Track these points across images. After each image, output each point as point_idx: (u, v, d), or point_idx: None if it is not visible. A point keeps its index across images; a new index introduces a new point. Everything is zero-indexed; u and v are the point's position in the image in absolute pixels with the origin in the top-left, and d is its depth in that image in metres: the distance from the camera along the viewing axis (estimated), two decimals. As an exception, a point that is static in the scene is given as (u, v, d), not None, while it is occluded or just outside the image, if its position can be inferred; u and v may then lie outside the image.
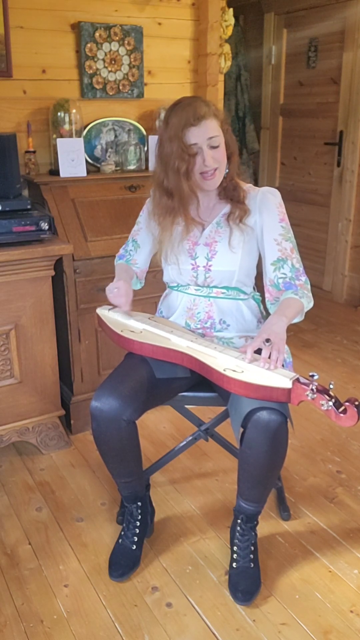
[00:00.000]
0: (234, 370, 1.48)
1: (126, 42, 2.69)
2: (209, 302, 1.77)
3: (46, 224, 2.14)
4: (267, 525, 1.98)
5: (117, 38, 2.66)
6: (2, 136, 2.23)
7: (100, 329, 2.33)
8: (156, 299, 2.04)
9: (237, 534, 1.75)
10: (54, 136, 2.59)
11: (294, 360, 2.04)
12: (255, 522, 1.75)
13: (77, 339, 2.42)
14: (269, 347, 1.44)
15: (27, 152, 2.57)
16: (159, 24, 2.80)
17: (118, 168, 2.74)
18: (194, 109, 1.60)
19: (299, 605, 1.68)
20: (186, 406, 1.96)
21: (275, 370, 1.45)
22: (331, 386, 1.39)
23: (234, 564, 1.74)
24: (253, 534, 1.75)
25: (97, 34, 2.61)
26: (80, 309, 2.38)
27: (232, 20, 2.91)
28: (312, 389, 1.37)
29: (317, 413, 2.65)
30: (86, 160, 2.63)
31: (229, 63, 2.98)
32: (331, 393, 1.38)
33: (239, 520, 1.74)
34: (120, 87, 2.74)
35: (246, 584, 1.69)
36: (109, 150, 2.74)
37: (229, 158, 1.70)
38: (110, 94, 2.73)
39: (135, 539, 1.81)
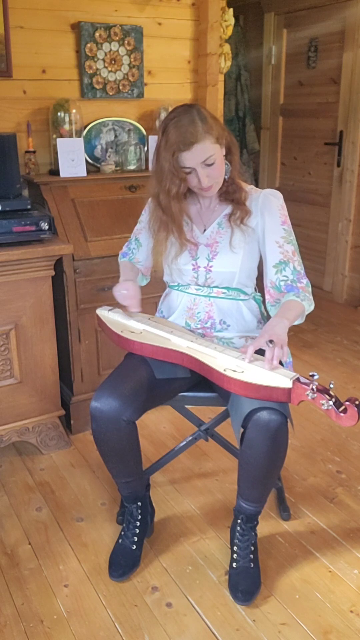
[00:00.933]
0: (234, 371, 1.48)
1: (126, 42, 2.69)
2: (209, 301, 1.77)
3: (46, 224, 2.14)
4: (267, 525, 1.98)
5: (117, 38, 2.66)
6: (2, 136, 2.23)
7: (100, 330, 2.33)
8: (156, 298, 2.04)
9: (237, 534, 1.75)
10: (54, 136, 2.59)
11: (294, 360, 2.04)
12: (255, 522, 1.75)
13: (77, 339, 2.42)
14: (272, 348, 1.44)
15: (27, 152, 2.57)
16: (159, 24, 2.81)
17: (118, 168, 2.74)
18: (186, 132, 1.55)
19: (299, 605, 1.68)
20: (186, 406, 1.96)
21: (275, 370, 1.45)
22: (331, 386, 1.39)
23: (234, 564, 1.74)
24: (253, 534, 1.75)
25: (97, 34, 2.61)
26: (80, 309, 2.38)
27: (232, 20, 2.91)
28: (312, 389, 1.37)
29: (317, 413, 2.65)
30: (86, 160, 2.63)
31: (229, 63, 2.98)
32: (331, 393, 1.38)
33: (239, 520, 1.74)
34: (120, 87, 2.74)
35: (246, 584, 1.69)
36: (109, 150, 2.74)
37: (229, 161, 1.70)
38: (110, 94, 2.73)
39: (135, 539, 1.81)
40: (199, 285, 1.77)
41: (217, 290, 1.76)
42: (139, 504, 1.83)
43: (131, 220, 2.43)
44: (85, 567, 1.82)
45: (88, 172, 2.60)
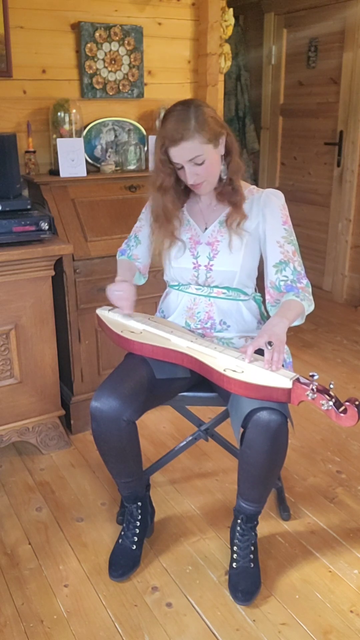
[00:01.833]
0: (234, 371, 1.48)
1: (126, 42, 2.68)
2: (209, 301, 1.77)
3: (46, 224, 2.14)
4: (267, 525, 1.98)
5: (117, 38, 2.66)
6: (2, 136, 2.23)
7: (100, 330, 2.33)
8: (156, 298, 2.04)
9: (237, 534, 1.75)
10: (54, 136, 2.59)
11: (294, 360, 2.04)
12: (255, 522, 1.75)
13: (77, 339, 2.42)
14: (271, 350, 1.44)
15: (27, 152, 2.57)
16: (159, 24, 2.80)
17: (118, 168, 2.74)
18: (176, 128, 1.56)
19: (299, 605, 1.68)
20: (186, 406, 1.96)
21: (276, 370, 1.45)
22: (331, 386, 1.39)
23: (234, 564, 1.74)
24: (253, 534, 1.75)
25: (97, 34, 2.61)
26: (80, 309, 2.38)
27: (232, 20, 2.91)
28: (312, 389, 1.37)
29: (317, 413, 2.65)
30: (86, 160, 2.63)
31: (229, 63, 2.98)
32: (331, 393, 1.38)
33: (239, 521, 1.74)
34: (120, 87, 2.74)
35: (246, 584, 1.69)
36: (109, 150, 2.74)
37: (227, 162, 1.69)
38: (110, 94, 2.73)
39: (135, 539, 1.81)
40: (199, 285, 1.77)
41: (217, 290, 1.76)
42: (139, 504, 1.83)
43: (131, 220, 2.42)
44: (85, 567, 1.82)
45: (88, 172, 2.60)
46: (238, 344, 1.74)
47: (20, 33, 2.47)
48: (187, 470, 2.29)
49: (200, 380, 1.77)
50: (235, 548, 1.75)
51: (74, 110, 2.58)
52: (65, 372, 2.50)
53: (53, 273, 2.21)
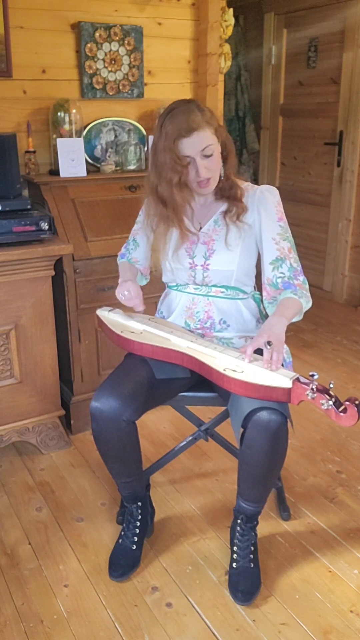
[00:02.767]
0: (234, 370, 1.48)
1: (126, 42, 2.69)
2: (207, 301, 1.77)
3: (46, 224, 2.14)
4: (267, 525, 1.98)
5: (117, 38, 2.66)
6: (2, 136, 2.23)
7: (100, 330, 2.33)
8: (156, 299, 2.04)
9: (237, 534, 1.75)
10: (54, 136, 2.59)
11: (294, 360, 2.04)
12: (255, 522, 1.75)
13: (77, 339, 2.42)
14: (270, 350, 1.44)
15: (27, 152, 2.57)
16: (159, 24, 2.81)
17: (118, 168, 2.74)
18: (187, 119, 1.56)
19: (299, 605, 1.68)
20: (186, 406, 1.96)
21: (275, 370, 1.45)
22: (331, 386, 1.39)
23: (234, 564, 1.73)
24: (253, 534, 1.75)
25: (97, 34, 2.61)
26: (80, 309, 2.38)
27: (232, 20, 2.91)
28: (312, 389, 1.37)
29: (317, 413, 2.65)
30: (86, 160, 2.63)
31: (229, 63, 2.98)
32: (331, 392, 1.38)
33: (239, 521, 1.74)
34: (120, 87, 2.74)
35: (246, 584, 1.69)
36: (109, 150, 2.74)
37: (225, 159, 1.69)
38: (110, 94, 2.73)
39: (135, 539, 1.81)
40: (197, 285, 1.77)
41: (215, 289, 1.76)
42: (139, 504, 1.83)
43: (131, 220, 2.41)
44: (85, 567, 1.82)
45: (88, 172, 2.60)
46: (238, 344, 1.73)
47: (20, 33, 2.47)
48: (187, 470, 2.29)
49: (200, 380, 1.77)
50: (235, 548, 1.75)
51: (74, 110, 2.58)
52: (65, 372, 2.50)
53: (53, 273, 2.21)
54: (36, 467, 2.32)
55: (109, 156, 2.73)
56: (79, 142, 2.52)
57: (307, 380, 1.40)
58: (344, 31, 3.81)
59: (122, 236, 2.40)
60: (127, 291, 1.71)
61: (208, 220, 1.75)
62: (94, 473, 2.27)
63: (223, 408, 1.84)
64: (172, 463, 2.18)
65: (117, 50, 2.68)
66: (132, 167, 2.74)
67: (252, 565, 1.73)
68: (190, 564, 1.82)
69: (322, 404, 1.36)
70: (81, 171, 2.52)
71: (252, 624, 1.61)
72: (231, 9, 2.91)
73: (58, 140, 2.48)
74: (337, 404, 1.36)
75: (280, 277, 1.68)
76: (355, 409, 1.35)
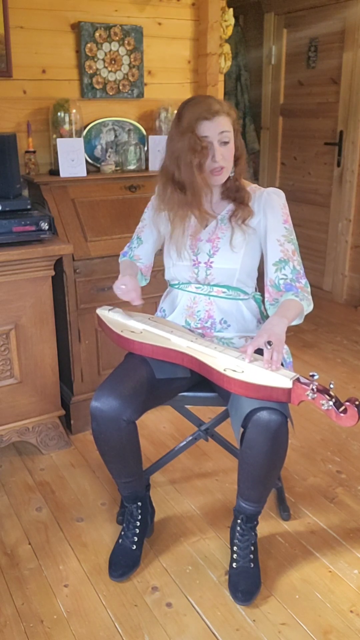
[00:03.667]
0: (234, 370, 1.48)
1: (126, 42, 2.68)
2: (209, 300, 1.77)
3: (46, 224, 2.14)
4: (267, 525, 1.98)
5: (117, 38, 2.66)
6: (2, 136, 2.23)
7: (100, 329, 2.33)
8: (157, 298, 2.04)
9: (237, 534, 1.75)
10: (54, 136, 2.59)
11: (294, 360, 2.04)
12: (255, 522, 1.75)
13: (77, 339, 2.42)
14: (270, 350, 1.44)
15: (27, 152, 2.57)
16: (159, 24, 2.80)
17: (118, 168, 2.74)
18: (209, 104, 1.62)
19: (299, 605, 1.68)
20: (186, 406, 1.96)
21: (275, 370, 1.45)
22: (331, 386, 1.39)
23: (234, 564, 1.73)
24: (253, 534, 1.75)
25: (97, 34, 2.61)
26: (80, 309, 2.38)
27: (232, 20, 2.91)
28: (312, 389, 1.37)
29: (317, 413, 2.65)
30: (86, 160, 2.63)
31: (229, 63, 2.98)
32: (331, 393, 1.38)
33: (239, 521, 1.74)
34: (120, 87, 2.74)
35: (246, 584, 1.69)
36: (109, 150, 2.74)
37: (237, 160, 1.71)
38: (110, 94, 2.73)
39: (135, 539, 1.81)
40: (199, 284, 1.77)
41: (217, 289, 1.76)
42: (139, 504, 1.83)
43: (131, 220, 2.43)
44: (85, 567, 1.82)
45: (88, 172, 2.60)
46: (238, 344, 1.73)
47: (20, 33, 2.47)
48: (187, 470, 2.29)
49: (200, 380, 1.77)
50: (235, 548, 1.75)
51: (74, 110, 2.58)
52: (65, 372, 2.50)
53: (53, 273, 2.21)
54: (36, 467, 2.32)
55: (109, 156, 2.73)
56: (79, 142, 2.52)
57: (307, 381, 1.40)
58: (344, 31, 3.81)
59: (122, 236, 2.40)
60: (124, 285, 1.70)
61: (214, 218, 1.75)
62: (94, 473, 2.27)
63: (223, 408, 1.84)
64: (172, 463, 2.18)
65: (117, 50, 2.68)
66: (132, 167, 2.74)
67: (252, 565, 1.73)
68: (190, 564, 1.82)
69: (322, 404, 1.36)
70: (81, 171, 2.52)
71: (252, 624, 1.61)
72: (231, 9, 2.91)
73: (58, 140, 2.48)
74: (338, 404, 1.36)
75: (282, 279, 1.68)
76: (356, 409, 1.35)
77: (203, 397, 1.82)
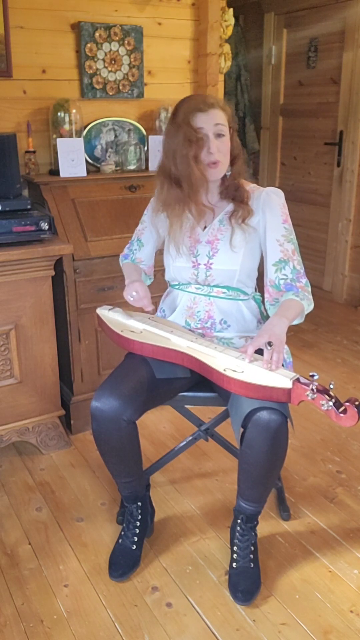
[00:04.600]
0: (234, 370, 1.48)
1: (126, 42, 2.68)
2: (209, 300, 1.77)
3: (46, 224, 2.14)
4: (267, 525, 1.98)
5: (117, 38, 2.66)
6: (2, 136, 2.23)
7: (100, 329, 2.33)
8: (157, 299, 2.04)
9: (237, 534, 1.75)
10: (54, 136, 2.59)
11: (294, 360, 2.04)
12: (255, 522, 1.75)
13: (77, 339, 2.42)
14: (270, 351, 1.44)
15: (27, 152, 2.57)
16: (159, 24, 2.80)
17: (118, 168, 2.74)
18: (204, 98, 1.66)
19: (299, 605, 1.68)
20: (186, 406, 1.96)
21: (275, 370, 1.45)
22: (331, 386, 1.39)
23: (234, 564, 1.73)
24: (253, 534, 1.75)
25: (97, 34, 2.61)
26: (80, 309, 2.38)
27: (232, 20, 2.91)
28: (312, 389, 1.37)
29: (317, 413, 2.65)
30: (86, 160, 2.63)
31: (229, 63, 2.98)
32: (331, 393, 1.38)
33: (239, 521, 1.74)
34: (120, 87, 2.74)
35: (246, 584, 1.69)
36: (109, 150, 2.74)
37: (233, 160, 1.71)
38: (110, 94, 2.73)
39: (135, 539, 1.81)
40: (199, 284, 1.77)
41: (217, 289, 1.76)
42: (139, 504, 1.83)
43: (131, 220, 2.43)
44: (85, 567, 1.82)
45: (88, 172, 2.60)
46: (238, 344, 1.73)
47: (20, 33, 2.47)
48: (187, 470, 2.29)
49: (200, 380, 1.77)
50: (235, 548, 1.75)
51: (74, 110, 2.58)
52: (65, 372, 2.50)
53: (53, 273, 2.21)
54: (36, 467, 2.32)
55: (109, 156, 2.73)
56: (79, 142, 2.52)
57: (307, 381, 1.40)
58: (344, 31, 3.81)
59: (122, 236, 2.40)
60: (136, 292, 1.72)
61: (213, 220, 1.75)
62: (94, 473, 2.27)
63: (223, 408, 1.84)
64: (172, 463, 2.18)
65: (117, 50, 2.68)
66: (132, 167, 2.74)
67: (252, 565, 1.73)
68: (190, 564, 1.82)
69: (322, 404, 1.36)
70: (81, 171, 2.52)
71: (252, 624, 1.61)
72: (231, 9, 2.91)
73: (58, 140, 2.48)
74: (337, 404, 1.36)
75: (282, 279, 1.68)
76: (356, 409, 1.35)
77: (203, 397, 1.82)
